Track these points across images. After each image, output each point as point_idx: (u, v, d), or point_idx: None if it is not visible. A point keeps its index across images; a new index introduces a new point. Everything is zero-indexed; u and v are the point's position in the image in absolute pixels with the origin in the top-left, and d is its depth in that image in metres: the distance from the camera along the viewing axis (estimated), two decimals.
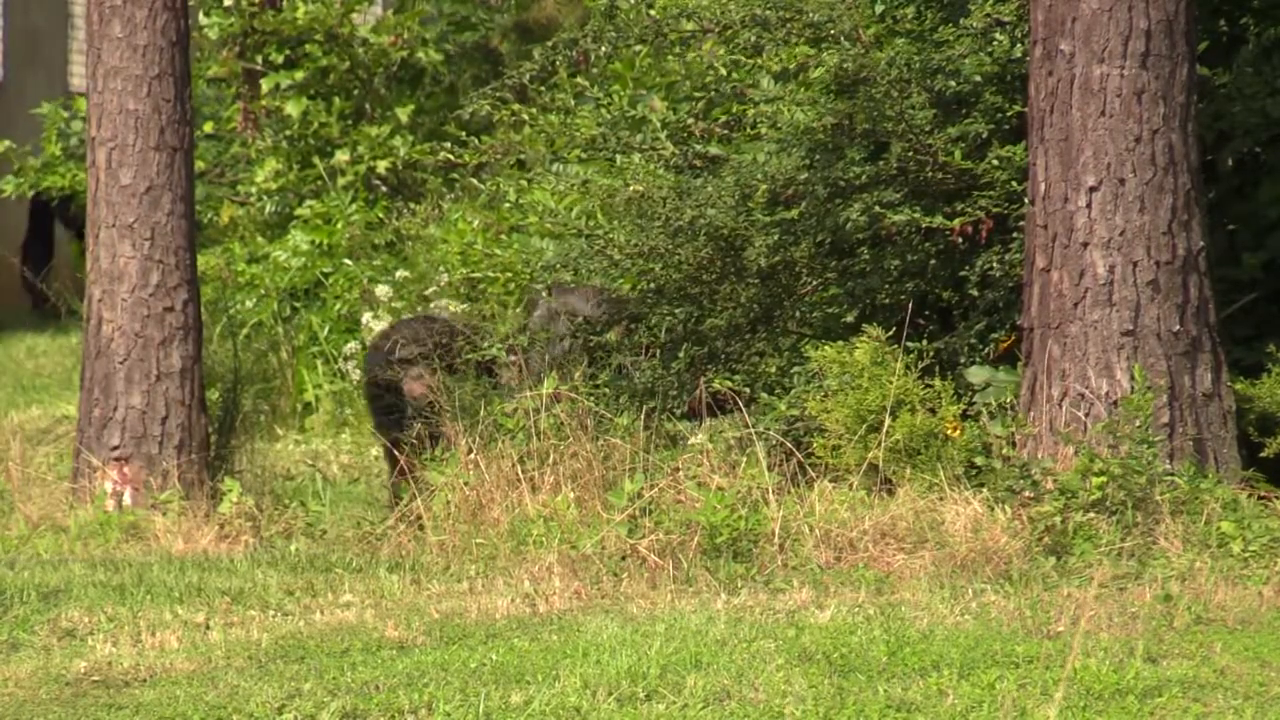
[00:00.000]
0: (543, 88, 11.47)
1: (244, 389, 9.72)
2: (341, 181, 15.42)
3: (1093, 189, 7.85)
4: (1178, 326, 7.84)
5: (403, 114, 15.85)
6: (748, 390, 8.92)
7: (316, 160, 15.60)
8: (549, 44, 9.47)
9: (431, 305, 12.67)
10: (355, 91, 16.08)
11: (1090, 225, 7.85)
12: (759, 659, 5.89)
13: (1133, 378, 7.76)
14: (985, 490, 7.73)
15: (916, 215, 8.66)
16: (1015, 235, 8.59)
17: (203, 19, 15.76)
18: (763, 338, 9.20)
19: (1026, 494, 7.58)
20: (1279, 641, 6.20)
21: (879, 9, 9.36)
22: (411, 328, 9.28)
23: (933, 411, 8.23)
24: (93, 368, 9.17)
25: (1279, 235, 8.79)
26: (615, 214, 9.58)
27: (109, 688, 5.86)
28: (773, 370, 9.09)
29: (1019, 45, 8.84)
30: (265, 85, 15.85)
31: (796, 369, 8.89)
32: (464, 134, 12.09)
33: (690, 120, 9.72)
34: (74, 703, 5.67)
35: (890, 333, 8.51)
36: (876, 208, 8.72)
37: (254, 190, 15.85)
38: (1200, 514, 7.44)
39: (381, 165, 15.52)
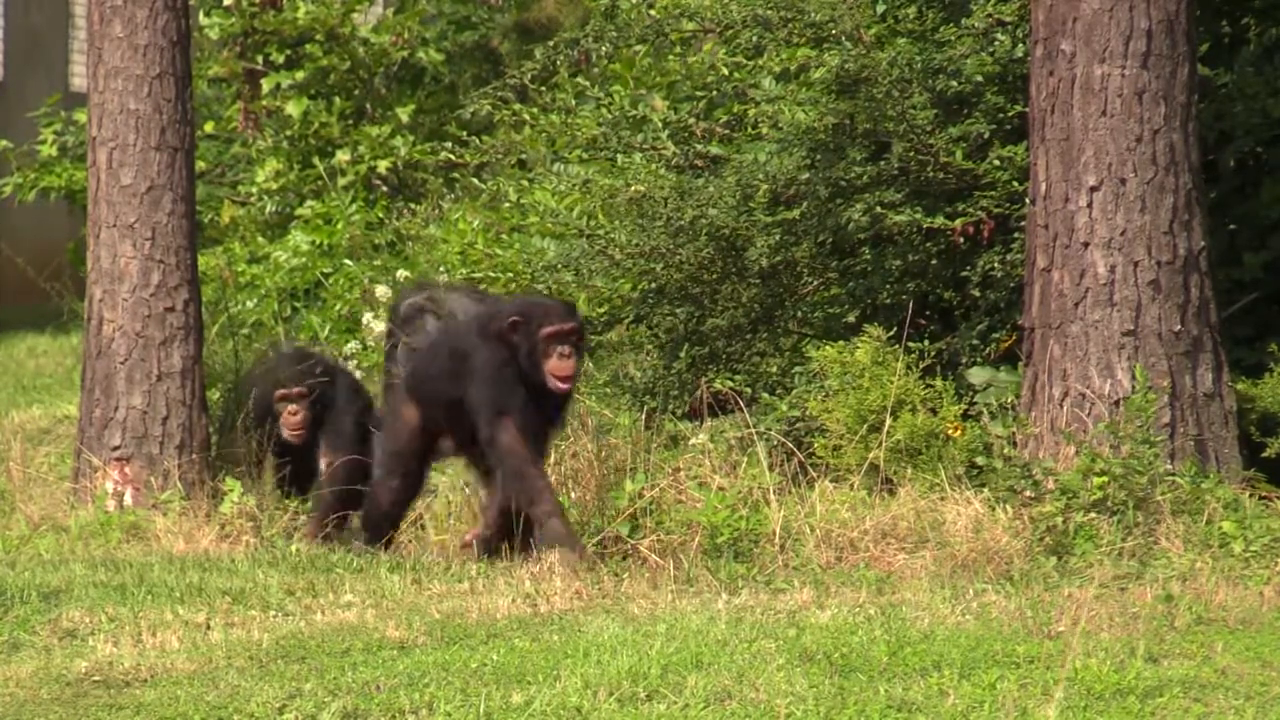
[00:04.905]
0: (543, 88, 11.46)
1: (244, 389, 9.70)
2: (342, 181, 15.42)
3: (1094, 189, 7.85)
4: (1179, 326, 7.84)
5: (403, 114, 15.85)
6: (749, 390, 8.92)
7: (317, 160, 15.60)
8: (550, 44, 9.48)
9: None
10: (356, 91, 16.09)
11: (1091, 225, 7.85)
12: (760, 659, 5.89)
13: (1134, 378, 7.76)
14: (986, 490, 7.73)
15: (918, 215, 8.66)
16: (1016, 235, 8.59)
17: (203, 19, 15.76)
18: (764, 338, 9.21)
19: (1028, 494, 7.58)
20: None
21: (880, 9, 9.36)
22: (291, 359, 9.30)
23: (934, 412, 8.23)
24: (93, 368, 9.16)
25: None
26: (616, 214, 9.58)
27: (110, 688, 5.86)
28: (774, 370, 9.10)
29: (1020, 45, 8.84)
30: (266, 85, 15.86)
31: (798, 369, 8.90)
32: (465, 134, 12.08)
33: (691, 120, 9.72)
34: (75, 703, 5.67)
35: (891, 333, 8.51)
36: (878, 208, 8.73)
37: (254, 190, 15.85)
38: (1201, 514, 7.44)
39: (382, 165, 15.52)
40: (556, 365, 7.71)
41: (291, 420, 9.07)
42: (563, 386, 7.72)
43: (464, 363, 7.86)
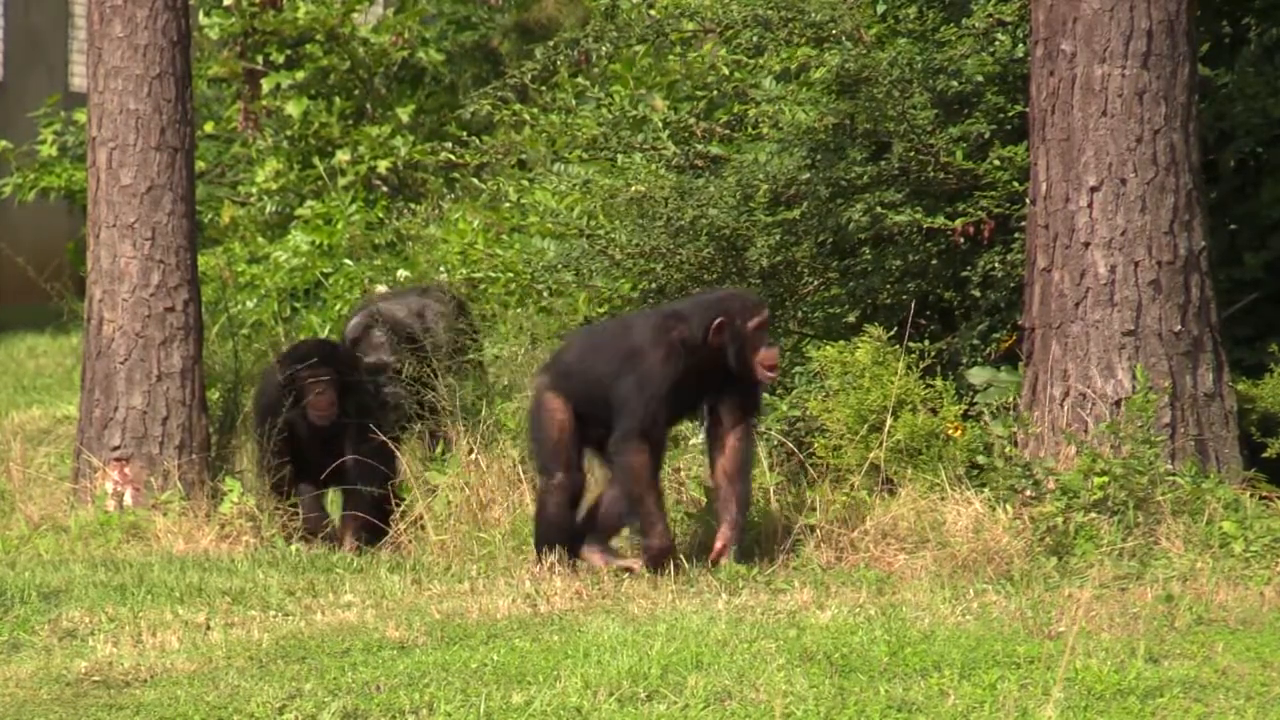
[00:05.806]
0: (544, 88, 11.46)
1: (244, 389, 9.71)
2: (342, 181, 15.42)
3: (1094, 189, 7.85)
4: (1179, 326, 7.83)
5: (403, 114, 15.85)
6: None
7: (317, 160, 15.60)
8: (550, 44, 9.47)
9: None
10: (356, 91, 16.08)
11: (1092, 225, 7.85)
12: (760, 659, 5.89)
13: (1134, 378, 7.76)
14: (987, 490, 7.73)
15: (918, 215, 8.66)
16: (1017, 235, 8.59)
17: (203, 19, 15.76)
18: None
19: (1028, 494, 7.57)
20: None
21: (881, 9, 9.36)
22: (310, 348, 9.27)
23: (934, 412, 8.22)
24: (93, 368, 9.16)
25: None
26: (617, 214, 9.57)
27: (110, 688, 5.86)
28: None
29: (1020, 45, 8.84)
30: (266, 85, 15.85)
31: (798, 369, 8.89)
32: (465, 134, 12.07)
33: (692, 120, 9.71)
34: (75, 703, 5.67)
35: (892, 333, 8.50)
36: (878, 208, 8.73)
37: (254, 190, 15.85)
38: (1202, 514, 7.44)
39: (382, 165, 15.52)
40: (766, 355, 7.56)
41: (319, 401, 8.90)
42: (772, 375, 7.64)
43: (631, 358, 7.59)
